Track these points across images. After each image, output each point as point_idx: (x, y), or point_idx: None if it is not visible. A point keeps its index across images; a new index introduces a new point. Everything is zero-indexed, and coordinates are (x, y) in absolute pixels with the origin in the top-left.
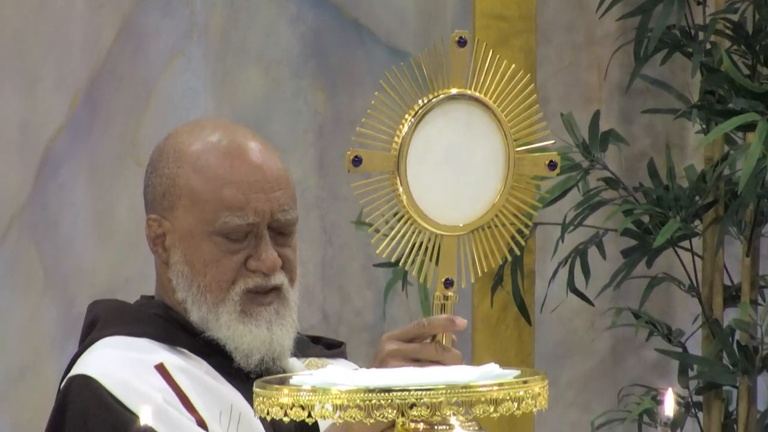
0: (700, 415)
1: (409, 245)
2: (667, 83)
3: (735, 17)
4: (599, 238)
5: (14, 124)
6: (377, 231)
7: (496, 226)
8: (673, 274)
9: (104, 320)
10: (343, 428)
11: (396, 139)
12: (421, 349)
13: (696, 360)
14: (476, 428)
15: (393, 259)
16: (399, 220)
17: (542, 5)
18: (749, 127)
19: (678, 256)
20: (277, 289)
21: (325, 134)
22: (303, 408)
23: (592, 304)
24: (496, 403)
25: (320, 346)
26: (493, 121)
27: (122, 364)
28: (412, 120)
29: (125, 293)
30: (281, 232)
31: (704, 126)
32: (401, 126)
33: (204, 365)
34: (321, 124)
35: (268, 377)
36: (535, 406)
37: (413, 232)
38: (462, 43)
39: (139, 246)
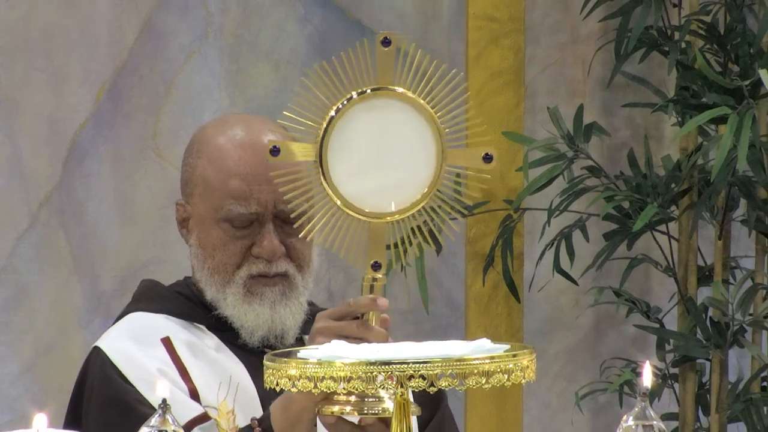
0: (676, 386)
1: (334, 230)
2: (646, 79)
3: (708, 18)
4: (583, 222)
5: (43, 118)
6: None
7: (428, 214)
8: (651, 255)
9: (135, 298)
10: (286, 397)
11: (319, 130)
12: (345, 326)
13: (672, 335)
14: None
15: (317, 243)
16: (323, 206)
17: (530, 7)
18: (721, 120)
19: (655, 239)
20: (281, 275)
21: None
22: (309, 380)
23: (577, 284)
24: (487, 375)
25: None
26: (422, 116)
27: (130, 338)
28: (335, 112)
29: (144, 274)
30: (288, 222)
31: (680, 119)
32: (324, 118)
33: (215, 340)
34: None
35: (278, 351)
36: (524, 378)
37: (336, 218)
38: (386, 42)
39: (157, 231)
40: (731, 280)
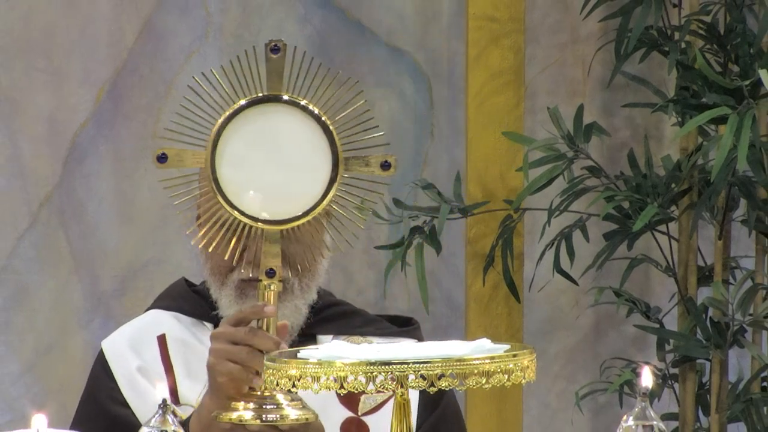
0: (676, 386)
1: (227, 236)
2: (646, 79)
3: (708, 18)
4: (583, 222)
5: (44, 118)
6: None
7: (327, 220)
8: (651, 255)
9: (158, 296)
10: (201, 403)
11: (207, 137)
12: (235, 332)
13: (672, 335)
14: (301, 406)
15: (210, 250)
16: (214, 213)
17: (530, 7)
18: (721, 120)
19: (655, 239)
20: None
21: None
22: (309, 379)
23: (577, 284)
24: (488, 375)
25: (392, 325)
26: (315, 123)
27: (128, 335)
28: (225, 119)
29: (144, 274)
30: None
31: (680, 119)
32: (213, 126)
33: None
34: None
35: (279, 351)
36: (524, 378)
37: (228, 225)
38: (275, 50)
39: (157, 231)
40: (731, 280)
